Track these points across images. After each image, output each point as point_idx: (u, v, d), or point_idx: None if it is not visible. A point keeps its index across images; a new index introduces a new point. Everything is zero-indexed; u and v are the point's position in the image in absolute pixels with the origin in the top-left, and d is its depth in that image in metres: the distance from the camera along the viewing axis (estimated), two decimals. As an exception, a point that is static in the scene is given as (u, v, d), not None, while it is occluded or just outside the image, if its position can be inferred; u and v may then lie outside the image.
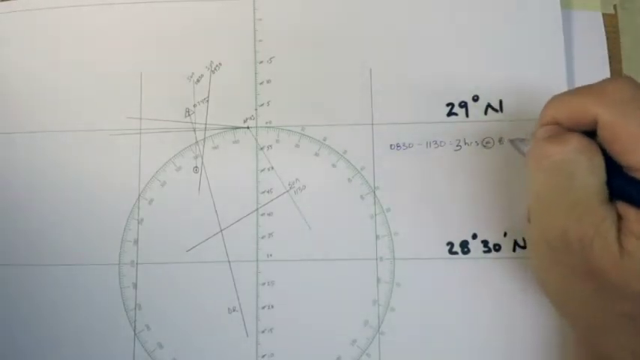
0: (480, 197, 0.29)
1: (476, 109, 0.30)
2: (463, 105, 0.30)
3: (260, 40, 0.31)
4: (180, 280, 0.29)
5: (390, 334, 0.28)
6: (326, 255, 0.29)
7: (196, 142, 0.30)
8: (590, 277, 0.21)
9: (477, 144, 0.30)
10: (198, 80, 0.31)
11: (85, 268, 0.29)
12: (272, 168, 0.30)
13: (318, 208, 0.29)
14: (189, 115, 0.30)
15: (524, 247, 0.29)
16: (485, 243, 0.29)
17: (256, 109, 0.30)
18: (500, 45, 0.30)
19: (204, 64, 0.31)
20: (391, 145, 0.30)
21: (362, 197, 0.29)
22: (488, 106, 0.30)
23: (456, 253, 0.29)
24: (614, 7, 0.32)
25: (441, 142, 0.30)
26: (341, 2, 0.31)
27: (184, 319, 0.29)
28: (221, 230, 0.29)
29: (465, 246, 0.29)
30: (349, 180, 0.30)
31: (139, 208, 0.30)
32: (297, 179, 0.30)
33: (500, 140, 0.30)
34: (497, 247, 0.29)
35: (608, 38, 0.31)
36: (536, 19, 0.30)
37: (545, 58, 0.30)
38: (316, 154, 0.30)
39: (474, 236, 0.29)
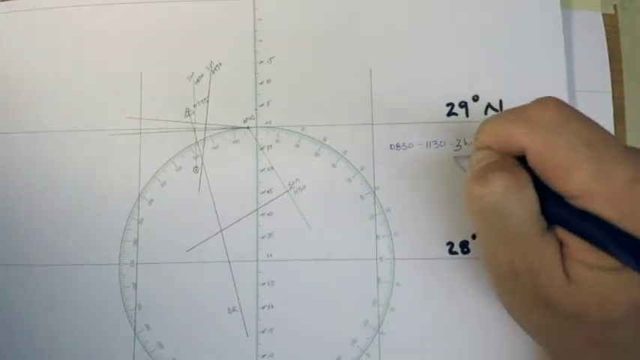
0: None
1: (476, 109, 0.30)
2: (463, 105, 0.30)
3: (260, 40, 0.31)
4: (180, 280, 0.29)
5: (390, 334, 0.28)
6: (326, 255, 0.29)
7: (196, 142, 0.30)
8: (546, 307, 0.21)
9: (477, 144, 0.30)
10: (198, 80, 0.31)
11: (85, 268, 0.29)
12: (272, 168, 0.30)
13: (318, 208, 0.29)
14: (189, 115, 0.30)
15: (524, 247, 0.29)
16: (485, 243, 0.29)
17: (256, 109, 0.30)
18: (500, 45, 0.30)
19: (204, 64, 0.31)
20: (391, 145, 0.30)
21: (362, 197, 0.30)
22: (489, 106, 0.30)
23: (455, 253, 0.29)
24: (614, 7, 0.32)
25: (441, 142, 0.30)
26: (341, 2, 0.31)
27: (184, 319, 0.29)
28: (221, 230, 0.29)
29: (464, 246, 0.29)
30: (349, 180, 0.30)
31: (139, 208, 0.30)
32: (297, 179, 0.30)
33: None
34: (497, 247, 0.29)
35: (608, 38, 0.31)
36: (536, 19, 0.30)
37: (545, 58, 0.30)
38: (316, 154, 0.30)
39: (474, 236, 0.29)
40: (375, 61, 0.30)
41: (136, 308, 0.29)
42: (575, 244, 0.20)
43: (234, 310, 0.29)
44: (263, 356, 0.28)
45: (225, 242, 0.29)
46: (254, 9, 0.31)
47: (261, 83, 0.31)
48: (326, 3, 0.31)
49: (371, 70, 0.30)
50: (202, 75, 0.31)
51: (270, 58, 0.31)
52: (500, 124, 0.22)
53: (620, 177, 0.19)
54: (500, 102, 0.30)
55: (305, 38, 0.31)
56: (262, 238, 0.29)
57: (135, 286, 0.29)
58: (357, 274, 0.29)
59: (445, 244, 0.29)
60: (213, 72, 0.31)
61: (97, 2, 0.31)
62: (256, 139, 0.30)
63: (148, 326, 0.29)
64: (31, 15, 0.32)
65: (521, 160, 0.22)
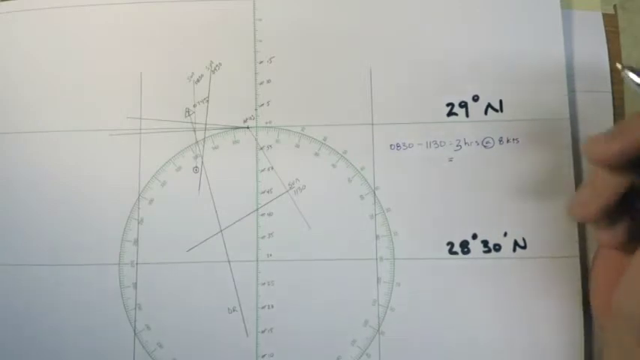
0: (480, 197, 0.29)
1: (476, 109, 0.30)
2: (463, 105, 0.30)
3: (260, 40, 0.31)
4: (180, 280, 0.29)
5: (390, 334, 0.28)
6: (326, 255, 0.29)
7: (196, 142, 0.30)
8: None
9: (477, 144, 0.30)
10: (198, 80, 0.31)
11: (85, 268, 0.29)
12: (272, 168, 0.30)
13: (318, 208, 0.29)
14: (189, 115, 0.30)
15: (524, 247, 0.29)
16: (485, 243, 0.29)
17: (256, 109, 0.30)
18: (501, 45, 0.30)
19: (204, 64, 0.31)
20: (391, 145, 0.30)
21: (362, 197, 0.29)
22: (489, 106, 0.30)
23: (455, 253, 0.29)
24: (614, 7, 0.32)
25: (441, 142, 0.30)
26: (341, 2, 0.31)
27: (184, 319, 0.29)
28: (221, 230, 0.29)
29: (464, 246, 0.29)
30: (349, 180, 0.30)
31: (139, 208, 0.30)
32: (297, 179, 0.30)
33: (500, 140, 0.30)
34: (497, 247, 0.29)
35: (608, 38, 0.31)
36: (536, 19, 0.30)
37: (545, 58, 0.30)
38: (316, 154, 0.30)
39: (474, 236, 0.29)
40: (375, 61, 0.30)
41: (136, 308, 0.29)
42: None
43: (234, 310, 0.29)
44: (263, 356, 0.28)
45: (225, 242, 0.29)
46: (254, 9, 0.31)
47: (261, 83, 0.31)
48: (326, 3, 0.31)
49: (371, 70, 0.30)
50: (202, 75, 0.31)
51: (270, 58, 0.31)
52: None
53: None
54: (501, 102, 0.30)
55: (305, 38, 0.31)
56: (262, 238, 0.29)
57: (135, 286, 0.29)
58: (357, 274, 0.29)
59: (445, 244, 0.29)
60: (213, 72, 0.31)
61: (97, 2, 0.31)
62: (256, 139, 0.30)
63: (148, 326, 0.29)
64: (31, 15, 0.31)
65: None
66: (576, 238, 0.28)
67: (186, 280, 0.29)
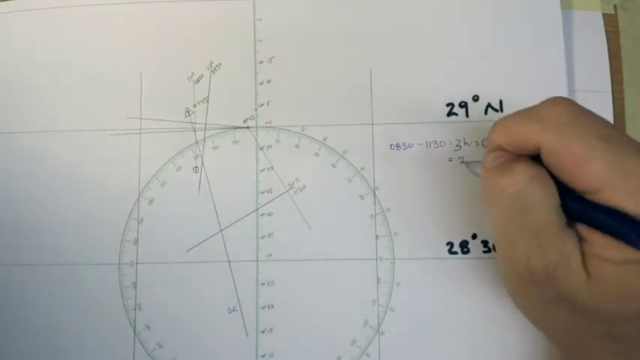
0: (480, 197, 0.29)
1: (476, 109, 0.30)
2: (463, 105, 0.30)
3: (260, 40, 0.31)
4: (180, 280, 0.29)
5: (390, 334, 0.28)
6: (326, 255, 0.29)
7: (196, 142, 0.30)
8: (561, 302, 0.21)
9: (477, 144, 0.30)
10: (198, 80, 0.31)
11: (85, 268, 0.29)
12: (272, 168, 0.30)
13: (318, 208, 0.29)
14: (189, 115, 0.30)
15: (524, 247, 0.29)
16: (485, 243, 0.29)
17: (256, 109, 0.30)
18: (501, 45, 0.30)
19: (204, 64, 0.31)
20: (391, 145, 0.30)
21: (362, 197, 0.29)
22: (489, 106, 0.30)
23: (455, 253, 0.29)
24: (614, 7, 0.32)
25: (441, 142, 0.30)
26: (341, 2, 0.31)
27: (184, 319, 0.29)
28: (221, 230, 0.29)
29: (464, 246, 0.29)
30: (349, 180, 0.30)
31: (138, 208, 0.30)
32: (297, 179, 0.30)
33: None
34: (497, 247, 0.29)
35: (608, 38, 0.31)
36: (536, 19, 0.30)
37: (545, 58, 0.30)
38: (316, 154, 0.30)
39: (474, 236, 0.29)
40: (375, 61, 0.30)
41: (136, 308, 0.29)
42: (596, 239, 0.20)
43: (234, 310, 0.29)
44: (263, 356, 0.28)
45: (225, 242, 0.29)
46: (254, 9, 0.31)
47: (261, 83, 0.31)
48: (326, 3, 0.31)
49: (371, 70, 0.30)
50: (202, 75, 0.31)
51: (270, 58, 0.31)
52: (513, 123, 0.22)
53: (636, 168, 0.19)
54: (501, 102, 0.30)
55: (305, 38, 0.31)
56: (262, 238, 0.29)
57: (135, 286, 0.29)
58: (357, 274, 0.29)
59: (445, 244, 0.29)
60: (213, 72, 0.31)
61: (97, 2, 0.31)
62: (256, 139, 0.30)
63: (148, 326, 0.29)
64: (31, 15, 0.32)
65: (533, 160, 0.22)
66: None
67: (186, 280, 0.29)
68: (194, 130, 0.30)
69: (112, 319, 0.29)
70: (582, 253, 0.20)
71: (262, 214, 0.29)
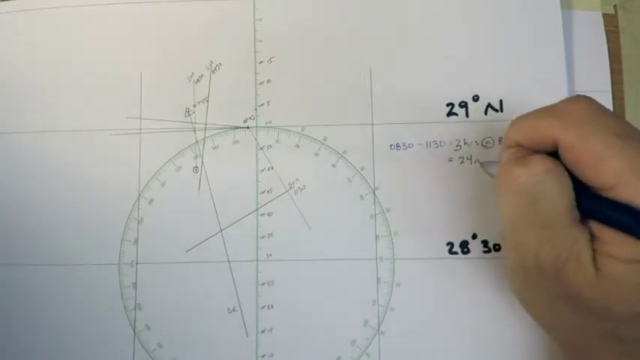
0: (480, 197, 0.29)
1: (476, 109, 0.30)
2: (463, 105, 0.30)
3: (260, 40, 0.31)
4: (180, 280, 0.29)
5: (390, 334, 0.28)
6: (326, 255, 0.29)
7: (196, 142, 0.30)
8: (568, 299, 0.21)
9: (477, 144, 0.30)
10: (198, 80, 0.31)
11: (85, 268, 0.29)
12: (272, 168, 0.30)
13: (318, 208, 0.29)
14: (189, 115, 0.30)
15: (524, 247, 0.29)
16: (485, 243, 0.29)
17: (256, 109, 0.30)
18: (501, 45, 0.30)
19: (204, 64, 0.31)
20: (391, 145, 0.30)
21: (362, 197, 0.29)
22: (489, 106, 0.30)
23: (455, 253, 0.29)
24: (614, 7, 0.32)
25: (441, 142, 0.30)
26: (341, 2, 0.31)
27: (184, 319, 0.29)
28: (221, 230, 0.29)
29: (464, 246, 0.29)
30: (349, 180, 0.30)
31: (138, 208, 0.30)
32: (297, 179, 0.30)
33: (500, 140, 0.29)
34: (498, 247, 0.29)
35: (608, 38, 0.31)
36: (536, 19, 0.30)
37: (545, 58, 0.30)
38: (316, 154, 0.30)
39: (474, 236, 0.29)
40: (375, 61, 0.30)
41: (135, 308, 0.29)
42: (608, 237, 0.20)
43: (234, 310, 0.29)
44: (263, 356, 0.28)
45: (225, 242, 0.29)
46: (254, 9, 0.31)
47: (261, 83, 0.31)
48: (326, 3, 0.31)
49: (371, 70, 0.30)
50: (202, 75, 0.31)
51: (270, 58, 0.31)
52: (532, 119, 0.22)
53: None
54: (501, 102, 0.30)
55: (305, 38, 0.31)
56: (262, 238, 0.29)
57: (135, 286, 0.29)
58: (357, 274, 0.29)
59: (445, 244, 0.29)
60: (213, 72, 0.31)
61: (97, 2, 0.31)
62: (256, 139, 0.30)
63: (148, 326, 0.29)
64: (31, 15, 0.32)
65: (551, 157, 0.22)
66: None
67: (186, 280, 0.29)
68: (194, 130, 0.30)
69: (112, 319, 0.29)
70: (593, 250, 0.20)
71: (262, 214, 0.29)
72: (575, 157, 0.21)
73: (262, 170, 0.30)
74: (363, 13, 0.31)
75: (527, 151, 0.22)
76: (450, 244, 0.29)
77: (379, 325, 0.29)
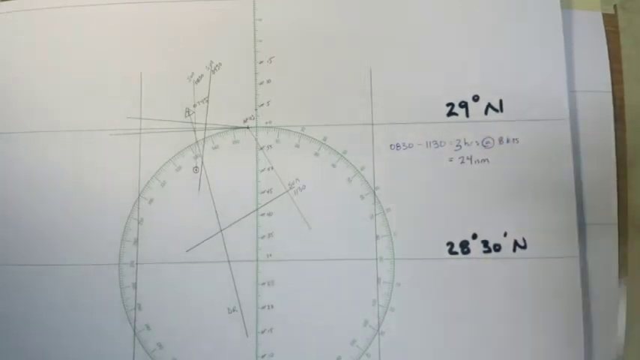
0: (480, 197, 0.29)
1: (476, 109, 0.30)
2: (463, 105, 0.30)
3: (260, 40, 0.31)
4: (180, 280, 0.29)
5: (390, 334, 0.28)
6: (326, 255, 0.29)
7: (196, 142, 0.30)
8: None
9: (477, 144, 0.30)
10: (198, 80, 0.31)
11: (85, 268, 0.29)
12: (272, 168, 0.30)
13: (318, 208, 0.29)
14: (189, 115, 0.30)
15: (524, 247, 0.29)
16: (485, 243, 0.29)
17: (256, 109, 0.30)
18: (501, 45, 0.30)
19: (204, 64, 0.31)
20: (391, 145, 0.30)
21: (362, 197, 0.30)
22: (489, 106, 0.30)
23: (455, 253, 0.29)
24: (614, 7, 0.32)
25: (441, 142, 0.30)
26: (341, 2, 0.31)
27: (184, 319, 0.29)
28: (221, 230, 0.29)
29: (464, 246, 0.29)
30: (349, 180, 0.30)
31: (138, 208, 0.30)
32: (297, 179, 0.30)
33: (500, 140, 0.30)
34: (497, 247, 0.29)
35: (608, 38, 0.31)
36: (536, 19, 0.30)
37: (545, 58, 0.30)
38: (316, 154, 0.30)
39: (474, 236, 0.29)
40: (375, 61, 0.30)
41: (136, 308, 0.29)
42: None
43: (234, 310, 0.29)
44: (263, 356, 0.28)
45: (225, 242, 0.29)
46: (254, 9, 0.31)
47: (261, 83, 0.31)
48: (326, 3, 0.31)
49: (371, 70, 0.30)
50: (202, 75, 0.31)
51: (270, 58, 0.31)
52: None
53: None
54: (501, 102, 0.30)
55: (305, 38, 0.31)
56: (262, 238, 0.29)
57: (135, 286, 0.29)
58: (357, 274, 0.29)
59: (445, 244, 0.29)
60: (213, 72, 0.31)
61: (97, 2, 0.31)
62: (256, 139, 0.30)
63: (148, 326, 0.29)
64: (31, 15, 0.32)
65: None
66: (576, 238, 0.28)
67: (186, 280, 0.29)
68: (194, 130, 0.30)
69: (112, 319, 0.29)
70: None
71: (262, 214, 0.29)
72: None
73: (262, 170, 0.30)
74: (363, 13, 0.31)
75: None
76: (450, 244, 0.29)
77: (379, 325, 0.29)
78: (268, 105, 0.30)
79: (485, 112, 0.30)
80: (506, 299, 0.28)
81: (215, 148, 0.30)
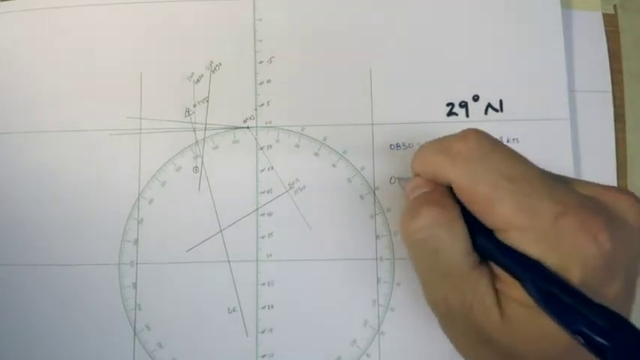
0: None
1: (476, 109, 0.30)
2: (463, 105, 0.30)
3: (260, 40, 0.31)
4: (180, 280, 0.29)
5: (390, 334, 0.28)
6: (326, 255, 0.29)
7: (196, 142, 0.30)
8: (481, 341, 0.20)
9: (477, 144, 0.30)
10: (198, 80, 0.31)
11: (85, 268, 0.29)
12: (272, 168, 0.30)
13: (318, 208, 0.29)
14: (189, 115, 0.30)
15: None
16: (485, 243, 0.29)
17: (256, 109, 0.30)
18: (501, 45, 0.30)
19: (204, 64, 0.31)
20: (391, 145, 0.30)
21: (362, 197, 0.29)
22: (489, 106, 0.30)
23: (456, 253, 0.29)
24: (614, 7, 0.32)
25: (441, 142, 0.30)
26: (341, 2, 0.31)
27: (184, 319, 0.29)
28: (221, 230, 0.29)
29: (465, 246, 0.29)
30: (349, 180, 0.30)
31: (138, 208, 0.30)
32: (297, 179, 0.30)
33: (500, 140, 0.29)
34: (497, 247, 0.29)
35: (608, 38, 0.31)
36: (536, 19, 0.30)
37: (545, 58, 0.30)
38: (316, 154, 0.30)
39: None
40: (375, 61, 0.30)
41: (136, 308, 0.29)
42: (508, 279, 0.19)
43: (234, 310, 0.29)
44: (263, 356, 0.28)
45: (225, 242, 0.29)
46: (254, 9, 0.31)
47: (261, 83, 0.31)
48: (326, 3, 0.31)
49: (371, 70, 0.30)
50: (202, 75, 0.31)
51: (270, 58, 0.31)
52: (427, 154, 0.22)
53: (543, 211, 0.18)
54: (501, 102, 0.30)
55: (305, 38, 0.31)
56: (262, 238, 0.29)
57: (135, 286, 0.29)
58: (357, 274, 0.29)
59: (445, 244, 0.29)
60: (213, 72, 0.31)
61: (96, 2, 0.31)
62: (256, 139, 0.30)
63: (148, 326, 0.29)
64: (31, 15, 0.31)
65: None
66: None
67: (186, 280, 0.29)
68: (194, 130, 0.30)
69: (112, 319, 0.29)
70: (497, 291, 0.20)
71: (262, 214, 0.29)
72: (467, 199, 0.20)
73: (262, 170, 0.30)
74: (363, 13, 0.31)
75: (429, 184, 0.22)
76: (450, 244, 0.29)
77: (379, 325, 0.29)
78: (268, 105, 0.30)
79: (486, 112, 0.30)
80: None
81: (215, 148, 0.30)
